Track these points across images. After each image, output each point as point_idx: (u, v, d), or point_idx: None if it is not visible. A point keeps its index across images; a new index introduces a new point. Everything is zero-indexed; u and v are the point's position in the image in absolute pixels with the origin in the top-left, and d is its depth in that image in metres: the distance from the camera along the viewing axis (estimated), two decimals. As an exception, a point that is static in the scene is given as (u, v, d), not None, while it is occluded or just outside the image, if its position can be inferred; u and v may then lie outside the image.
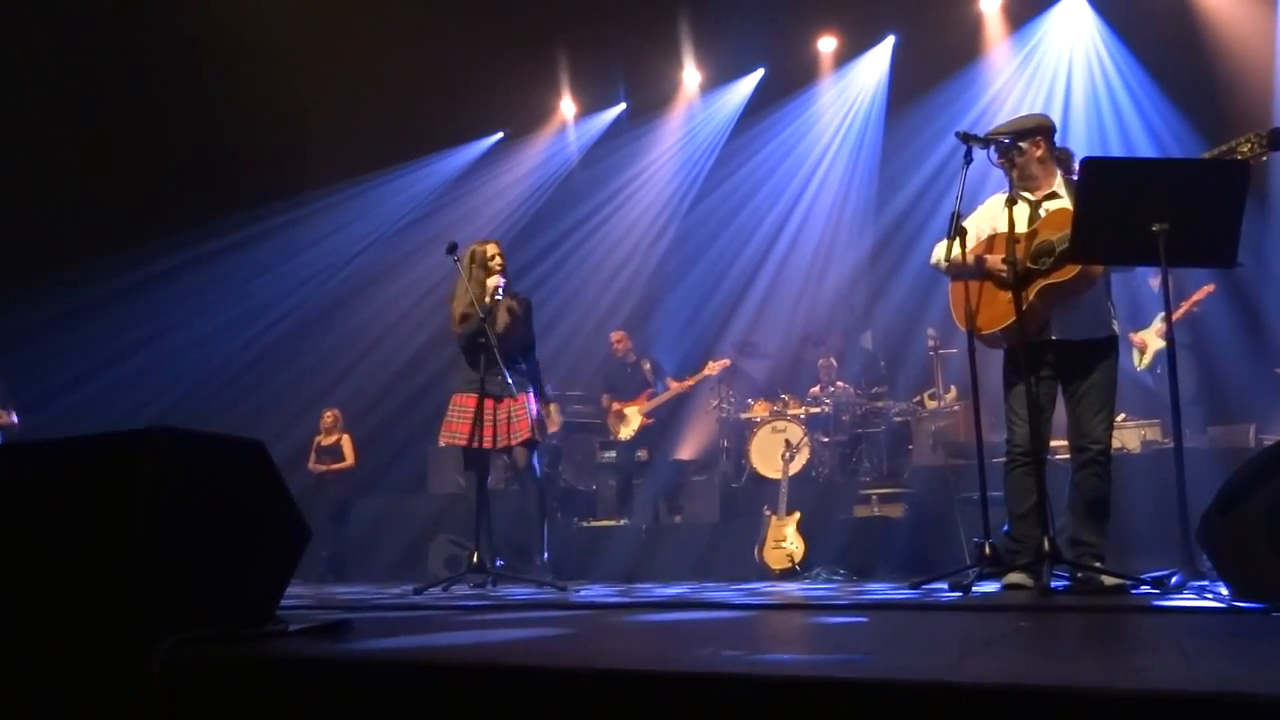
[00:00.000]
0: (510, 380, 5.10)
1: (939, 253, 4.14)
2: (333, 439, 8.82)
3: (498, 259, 5.37)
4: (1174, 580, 3.38)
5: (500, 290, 5.20)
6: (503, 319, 5.24)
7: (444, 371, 9.57)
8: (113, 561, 1.87)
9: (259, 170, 9.86)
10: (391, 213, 10.89)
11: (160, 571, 1.88)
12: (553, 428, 5.97)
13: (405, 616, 2.88)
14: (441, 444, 5.39)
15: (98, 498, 1.93)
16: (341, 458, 8.75)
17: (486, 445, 5.22)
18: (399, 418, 9.54)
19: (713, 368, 8.13)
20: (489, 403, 5.19)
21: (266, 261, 9.99)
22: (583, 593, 4.65)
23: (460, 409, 5.27)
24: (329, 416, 8.91)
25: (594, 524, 7.74)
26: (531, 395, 5.38)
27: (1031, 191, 4.04)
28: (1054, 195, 4.01)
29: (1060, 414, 4.09)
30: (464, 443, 5.21)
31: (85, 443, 2.03)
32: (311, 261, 10.42)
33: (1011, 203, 3.78)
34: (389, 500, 8.65)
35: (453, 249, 5.25)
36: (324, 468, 8.70)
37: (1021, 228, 3.85)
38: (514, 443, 5.26)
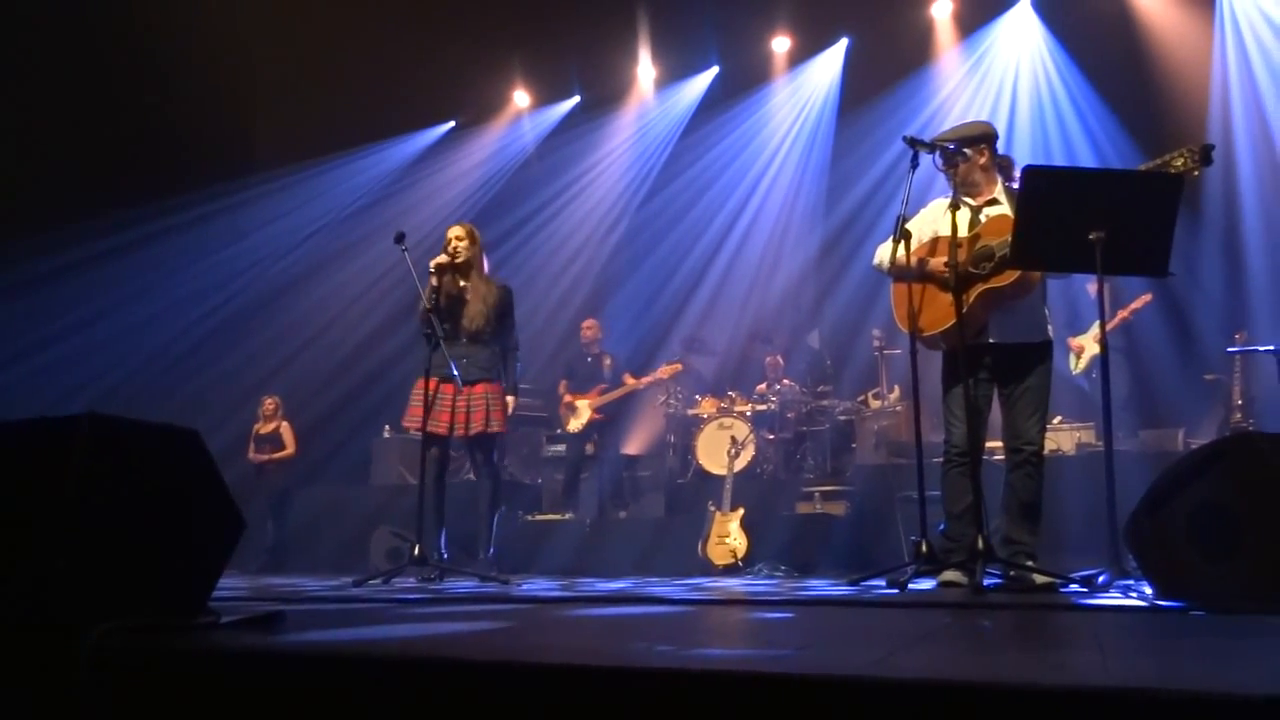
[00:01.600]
0: (455, 372, 5.06)
1: (882, 254, 4.21)
2: (271, 427, 8.67)
3: (452, 242, 5.31)
4: (1101, 579, 3.48)
5: (435, 269, 5.14)
6: (446, 303, 5.19)
7: (390, 360, 9.54)
8: (41, 550, 1.83)
9: (205, 151, 9.65)
10: (340, 199, 10.75)
11: (89, 561, 1.85)
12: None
13: (342, 609, 2.86)
14: (404, 428, 5.27)
15: (27, 484, 1.89)
16: (281, 446, 8.62)
17: (440, 431, 5.14)
18: (343, 407, 9.44)
19: (665, 371, 8.16)
20: (448, 388, 5.13)
21: (210, 245, 9.80)
22: (525, 587, 4.64)
23: (419, 393, 5.18)
24: (269, 404, 8.76)
25: (539, 518, 7.73)
26: (499, 385, 5.29)
27: (973, 197, 4.13)
28: (994, 202, 4.10)
29: (995, 416, 4.19)
30: (418, 426, 5.12)
31: (14, 428, 1.99)
32: (256, 246, 10.24)
33: (955, 208, 3.86)
34: (331, 491, 8.54)
35: (400, 238, 5.18)
36: (264, 457, 8.56)
37: (963, 232, 3.93)
38: (471, 433, 5.17)
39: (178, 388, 9.07)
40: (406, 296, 8.04)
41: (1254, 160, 8.21)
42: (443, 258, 5.23)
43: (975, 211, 4.09)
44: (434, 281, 5.15)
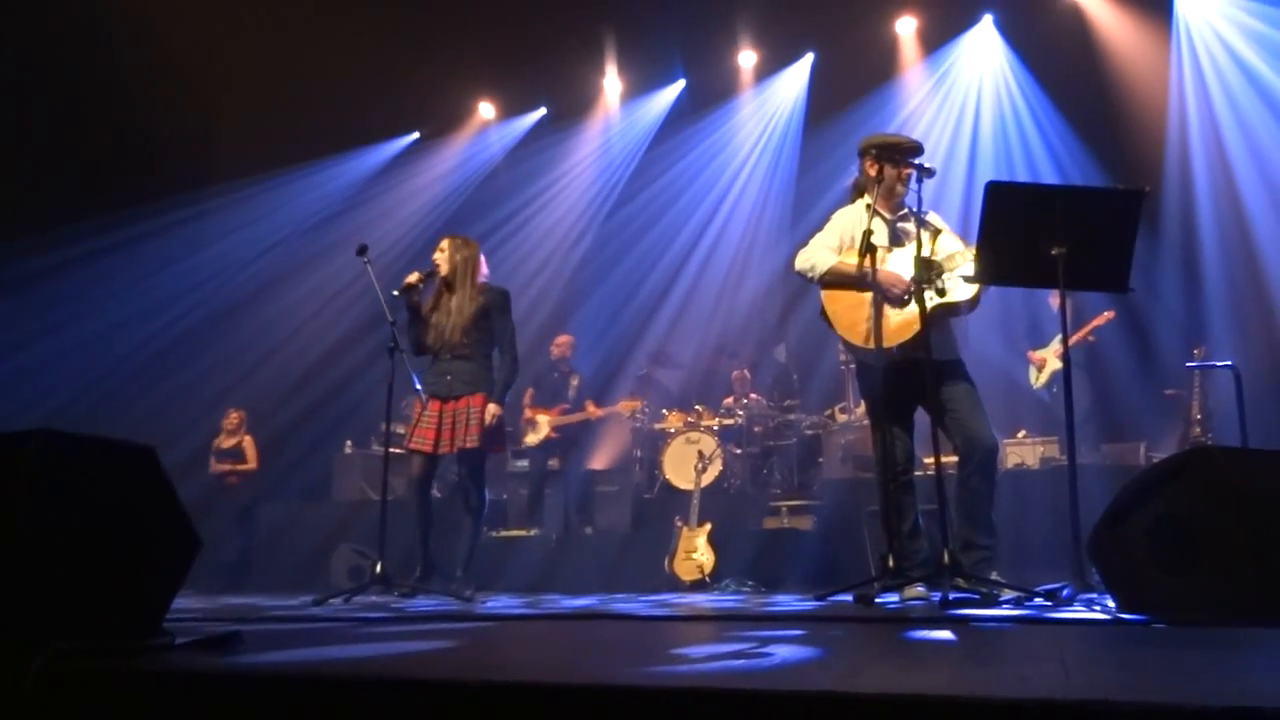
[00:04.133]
0: (418, 383, 5.02)
1: (814, 260, 4.12)
2: (234, 441, 8.56)
3: (435, 254, 5.27)
4: (1065, 593, 3.52)
5: (403, 290, 5.08)
6: (434, 317, 5.17)
7: (352, 374, 9.46)
8: (-14, 570, 1.79)
9: (164, 160, 9.52)
10: (302, 210, 10.65)
11: (39, 580, 1.81)
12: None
13: (300, 629, 2.82)
14: (409, 449, 5.13)
15: (-28, 503, 1.85)
16: (243, 460, 8.51)
17: (425, 449, 5.02)
18: (303, 421, 9.33)
19: (625, 407, 8.18)
20: (435, 404, 5.07)
21: (168, 256, 9.66)
22: (488, 604, 4.61)
23: (418, 411, 5.15)
24: (234, 417, 8.65)
25: (503, 534, 7.68)
26: (483, 399, 5.10)
27: (890, 210, 4.19)
28: (906, 217, 4.16)
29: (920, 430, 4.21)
30: (411, 446, 5.05)
31: (-41, 444, 1.94)
32: (216, 258, 10.12)
33: (927, 224, 3.91)
34: (291, 507, 8.42)
35: (363, 250, 5.15)
36: (226, 467, 8.43)
37: (883, 242, 3.99)
38: (455, 449, 5.03)
39: (135, 402, 8.90)
40: (369, 310, 7.98)
41: (1210, 177, 8.39)
42: (411, 276, 5.15)
43: (890, 224, 4.15)
44: (410, 299, 5.10)
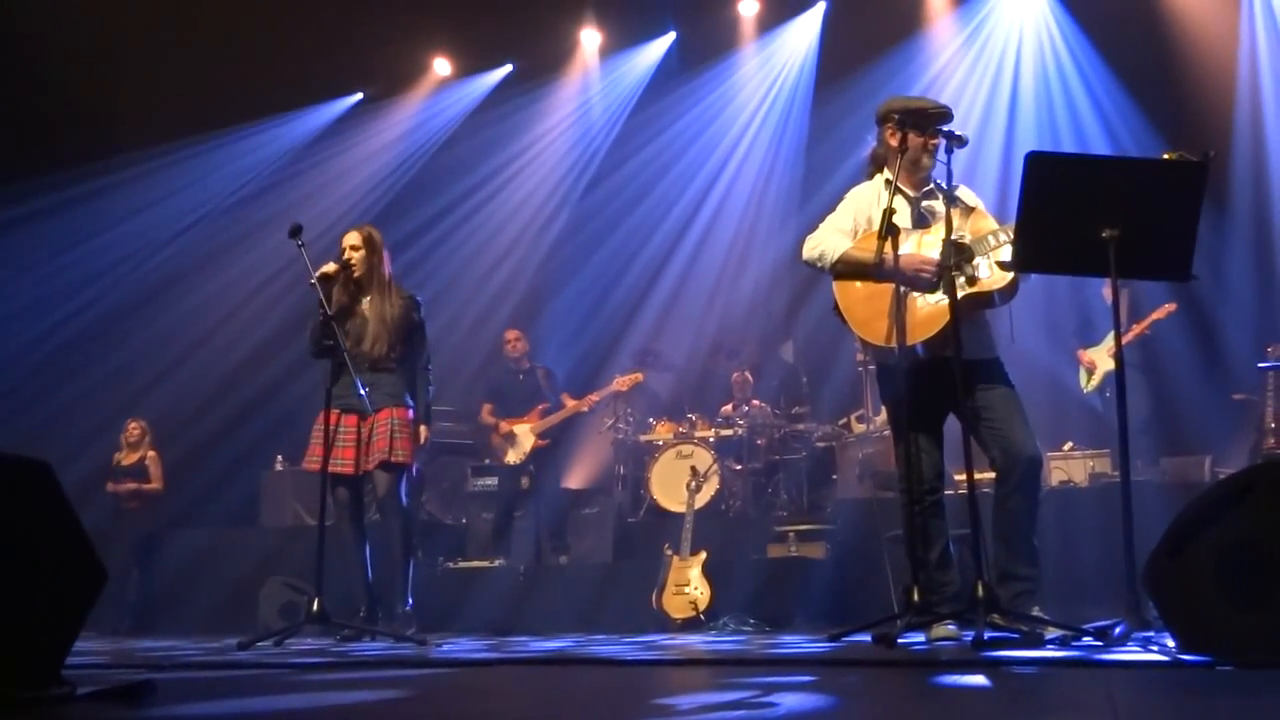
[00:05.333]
0: (363, 392, 5.04)
1: (824, 246, 4.16)
2: (136, 457, 8.50)
3: (346, 251, 5.41)
4: (1117, 631, 3.55)
5: (318, 280, 5.15)
6: (356, 322, 5.32)
7: (283, 378, 9.43)
8: None
9: (56, 127, 9.47)
10: (224, 185, 10.62)
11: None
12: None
13: (223, 676, 2.82)
14: (306, 469, 5.36)
15: None
16: (145, 479, 8.46)
17: (343, 470, 5.19)
18: (226, 433, 9.30)
19: (621, 383, 8.14)
20: (351, 420, 5.23)
21: (64, 240, 9.62)
22: (445, 648, 4.64)
23: (318, 428, 5.26)
24: (134, 428, 8.60)
25: (463, 565, 7.69)
26: (407, 411, 5.33)
27: (914, 187, 4.22)
28: (932, 194, 4.19)
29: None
30: (315, 467, 5.20)
31: None
32: (121, 241, 10.07)
33: (957, 202, 3.93)
34: (211, 535, 8.41)
35: (297, 231, 5.16)
36: (131, 485, 8.38)
37: (906, 223, 4.01)
38: (370, 467, 5.23)
39: (26, 410, 8.87)
40: (303, 302, 7.96)
41: (1288, 147, 8.44)
42: (328, 267, 5.28)
43: (914, 203, 4.18)
44: (320, 295, 5.16)
